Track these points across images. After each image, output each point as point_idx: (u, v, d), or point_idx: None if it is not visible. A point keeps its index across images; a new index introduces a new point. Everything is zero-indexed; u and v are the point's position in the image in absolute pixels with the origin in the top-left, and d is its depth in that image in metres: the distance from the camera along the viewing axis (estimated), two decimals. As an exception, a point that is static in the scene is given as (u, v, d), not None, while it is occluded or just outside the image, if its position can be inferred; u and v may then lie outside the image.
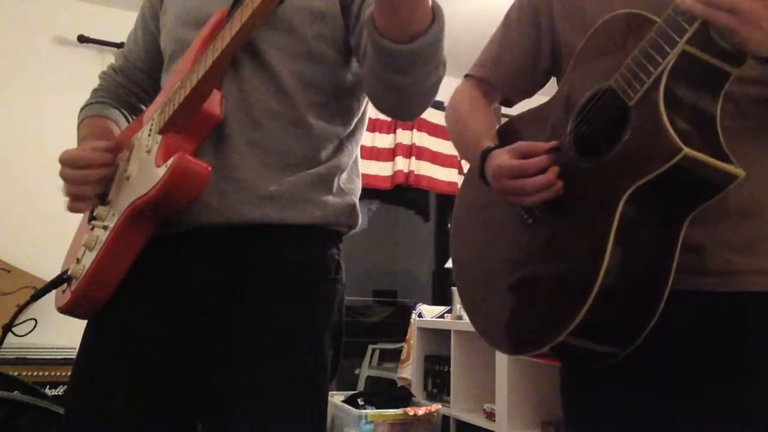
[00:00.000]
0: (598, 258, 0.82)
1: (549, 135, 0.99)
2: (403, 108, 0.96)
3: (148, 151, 0.95)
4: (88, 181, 0.97)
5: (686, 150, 0.77)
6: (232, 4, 0.96)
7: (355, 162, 1.08)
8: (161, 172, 0.88)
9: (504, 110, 1.34)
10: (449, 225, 1.31)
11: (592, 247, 0.84)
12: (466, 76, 1.21)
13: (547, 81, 1.18)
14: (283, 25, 0.96)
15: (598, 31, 0.95)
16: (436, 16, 0.83)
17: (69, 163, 0.97)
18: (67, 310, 0.98)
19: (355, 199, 1.05)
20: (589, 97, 0.93)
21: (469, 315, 1.12)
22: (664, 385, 0.93)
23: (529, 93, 1.20)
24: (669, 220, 0.85)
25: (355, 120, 1.06)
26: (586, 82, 0.95)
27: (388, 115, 0.98)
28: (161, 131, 0.94)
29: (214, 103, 0.92)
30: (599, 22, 0.95)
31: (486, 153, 1.01)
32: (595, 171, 0.89)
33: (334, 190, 1.00)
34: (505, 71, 1.17)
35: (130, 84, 1.20)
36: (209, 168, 0.89)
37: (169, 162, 0.87)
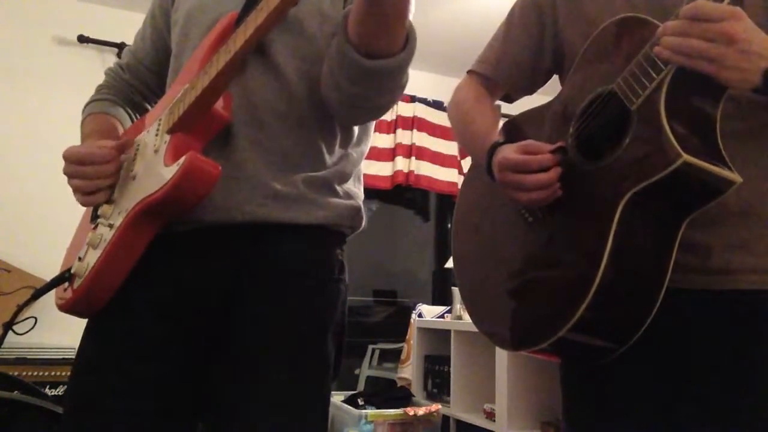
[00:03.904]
0: (597, 257, 0.83)
1: (549, 135, 1.00)
2: (343, 113, 0.97)
3: (156, 151, 0.94)
4: (102, 175, 0.97)
5: (686, 157, 0.78)
6: (243, 8, 0.96)
7: (359, 172, 1.08)
8: (171, 171, 0.88)
9: (504, 110, 1.34)
10: (450, 225, 1.32)
11: (591, 246, 0.85)
12: (469, 71, 1.22)
13: (549, 79, 1.19)
14: (295, 27, 0.96)
15: (601, 33, 0.96)
16: (407, 44, 0.84)
17: (76, 160, 0.97)
18: (69, 308, 0.98)
19: (360, 202, 1.05)
20: (591, 100, 0.93)
21: (469, 312, 1.13)
22: (665, 382, 0.95)
23: (531, 91, 1.22)
24: (667, 222, 0.86)
25: (358, 130, 1.06)
26: (588, 85, 0.95)
27: (330, 112, 0.98)
28: (170, 131, 0.94)
29: (224, 104, 0.92)
30: (602, 25, 0.95)
31: (494, 147, 1.02)
32: (596, 173, 0.90)
33: (340, 193, 1.01)
34: (507, 69, 1.18)
35: (137, 82, 1.19)
36: (219, 167, 0.89)
37: (180, 161, 0.87)
